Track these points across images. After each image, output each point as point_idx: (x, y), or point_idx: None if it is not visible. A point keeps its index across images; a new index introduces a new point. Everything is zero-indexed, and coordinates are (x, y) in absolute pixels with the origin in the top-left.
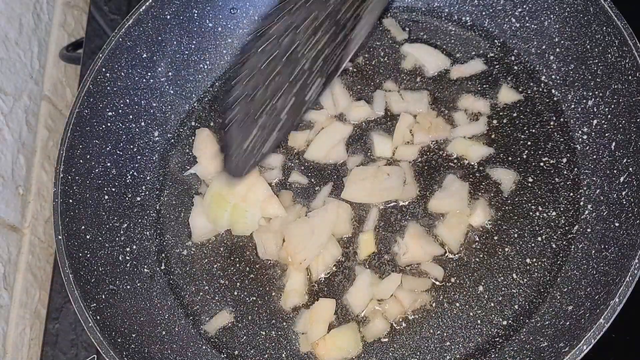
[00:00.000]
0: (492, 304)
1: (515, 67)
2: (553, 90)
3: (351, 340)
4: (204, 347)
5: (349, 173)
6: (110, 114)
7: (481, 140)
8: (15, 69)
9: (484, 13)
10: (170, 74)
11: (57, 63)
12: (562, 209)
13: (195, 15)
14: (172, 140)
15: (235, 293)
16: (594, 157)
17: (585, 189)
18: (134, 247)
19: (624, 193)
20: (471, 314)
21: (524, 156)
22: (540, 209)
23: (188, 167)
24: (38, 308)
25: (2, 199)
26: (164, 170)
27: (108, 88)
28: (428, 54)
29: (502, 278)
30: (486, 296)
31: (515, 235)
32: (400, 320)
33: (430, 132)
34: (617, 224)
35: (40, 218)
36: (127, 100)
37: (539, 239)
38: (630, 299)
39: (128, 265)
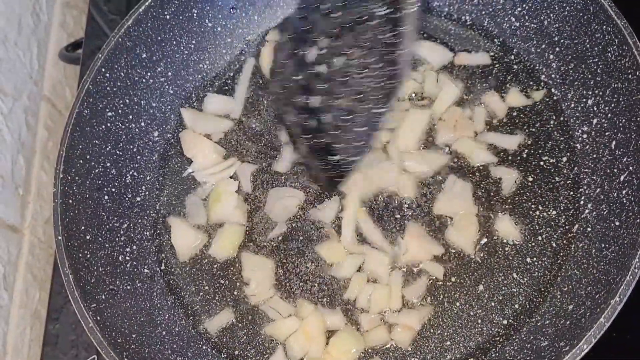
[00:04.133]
0: (493, 303)
1: (515, 67)
2: (553, 89)
3: (354, 339)
4: (204, 347)
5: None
6: (110, 114)
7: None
8: (15, 69)
9: (483, 12)
10: (169, 73)
11: (56, 63)
12: (562, 208)
13: (195, 15)
14: (172, 141)
15: (235, 293)
16: (594, 156)
17: (585, 188)
18: (134, 247)
19: (624, 192)
20: (471, 313)
21: (524, 155)
22: (540, 208)
23: (187, 167)
24: (38, 308)
25: (1, 200)
26: (164, 171)
27: (108, 88)
28: (430, 49)
29: (502, 277)
30: (486, 295)
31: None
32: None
33: (456, 131)
34: (617, 223)
35: (40, 218)
36: (127, 101)
37: (539, 238)
38: (631, 298)
39: (128, 265)
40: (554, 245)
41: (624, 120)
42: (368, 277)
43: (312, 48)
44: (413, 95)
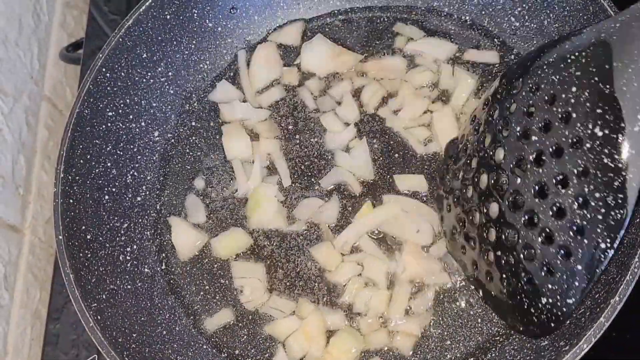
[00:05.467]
0: None
1: None
2: None
3: (354, 339)
4: (204, 347)
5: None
6: (110, 114)
7: None
8: (15, 69)
9: (483, 12)
10: (170, 73)
11: (57, 63)
12: None
13: (195, 15)
14: (172, 140)
15: (236, 292)
16: None
17: None
18: (135, 247)
19: None
20: (471, 312)
21: None
22: None
23: (189, 167)
24: (39, 308)
25: (2, 200)
26: (164, 170)
27: (108, 88)
28: (434, 45)
29: None
30: None
31: None
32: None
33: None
34: None
35: (41, 218)
36: (127, 100)
37: None
38: (631, 298)
39: (129, 265)
40: None
41: None
42: (366, 282)
43: (503, 176)
44: (429, 83)
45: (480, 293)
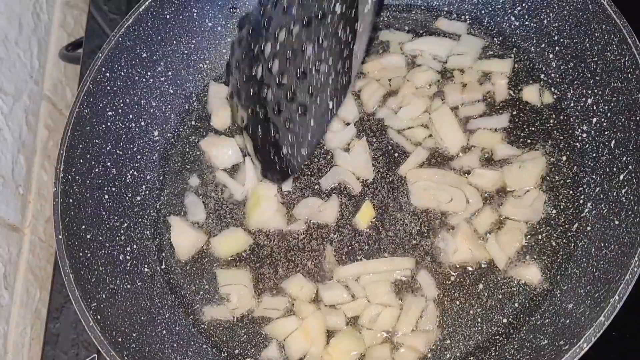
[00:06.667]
0: (492, 302)
1: (515, 65)
2: (552, 89)
3: (354, 341)
4: (204, 346)
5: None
6: (110, 113)
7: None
8: (15, 69)
9: (483, 11)
10: (170, 73)
11: (57, 63)
12: (562, 207)
13: (195, 14)
14: (172, 140)
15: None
16: (594, 155)
17: (585, 187)
18: (134, 246)
19: (623, 191)
20: (471, 312)
21: None
22: None
23: (188, 167)
24: (39, 308)
25: (2, 199)
26: (164, 170)
27: (108, 87)
28: (433, 43)
29: (502, 276)
30: (486, 294)
31: None
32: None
33: (464, 93)
34: (616, 222)
35: (41, 218)
36: (127, 100)
37: (539, 237)
38: (630, 297)
39: (128, 264)
40: (554, 244)
41: (623, 119)
42: (368, 299)
43: (268, 43)
44: (433, 81)
45: (251, 148)
